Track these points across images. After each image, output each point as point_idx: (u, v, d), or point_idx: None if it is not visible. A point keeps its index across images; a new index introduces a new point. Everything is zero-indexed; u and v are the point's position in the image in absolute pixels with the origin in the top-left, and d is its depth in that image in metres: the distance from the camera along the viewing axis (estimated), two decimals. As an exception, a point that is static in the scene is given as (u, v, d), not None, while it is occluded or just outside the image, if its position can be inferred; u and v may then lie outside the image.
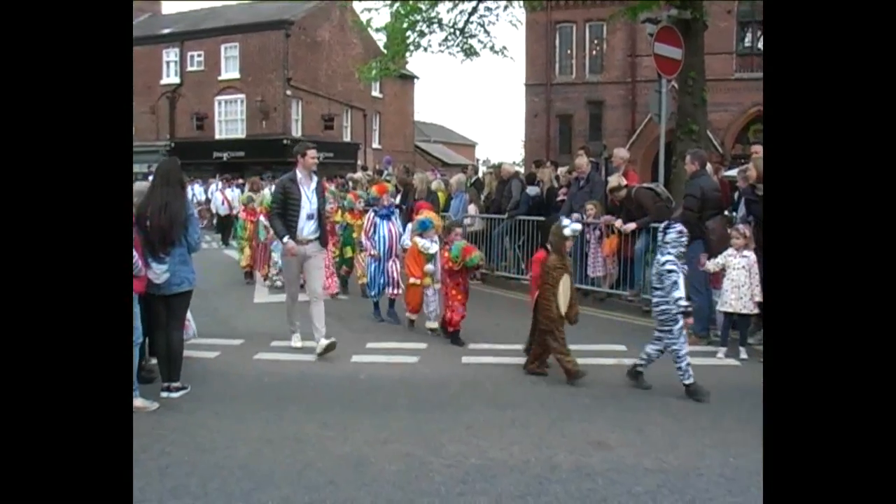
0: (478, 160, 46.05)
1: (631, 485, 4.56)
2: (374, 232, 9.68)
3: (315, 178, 8.08)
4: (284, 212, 7.76)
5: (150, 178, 6.86)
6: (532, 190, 12.80)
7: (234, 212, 20.09)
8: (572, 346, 7.78)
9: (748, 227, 7.96)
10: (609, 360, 7.55)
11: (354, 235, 11.16)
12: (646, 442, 5.32)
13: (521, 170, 18.01)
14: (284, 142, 35.73)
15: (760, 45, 27.58)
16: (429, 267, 8.88)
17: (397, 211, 10.68)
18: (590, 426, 5.66)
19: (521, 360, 7.59)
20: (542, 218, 11.63)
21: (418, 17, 15.72)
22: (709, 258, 8.24)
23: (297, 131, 37.20)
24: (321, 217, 8.01)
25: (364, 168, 24.92)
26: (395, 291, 9.70)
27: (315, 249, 7.91)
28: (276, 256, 11.81)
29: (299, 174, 7.92)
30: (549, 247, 7.21)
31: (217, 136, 37.85)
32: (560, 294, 6.92)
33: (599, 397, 6.39)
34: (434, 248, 8.96)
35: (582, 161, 11.43)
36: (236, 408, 6.12)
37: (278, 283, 11.91)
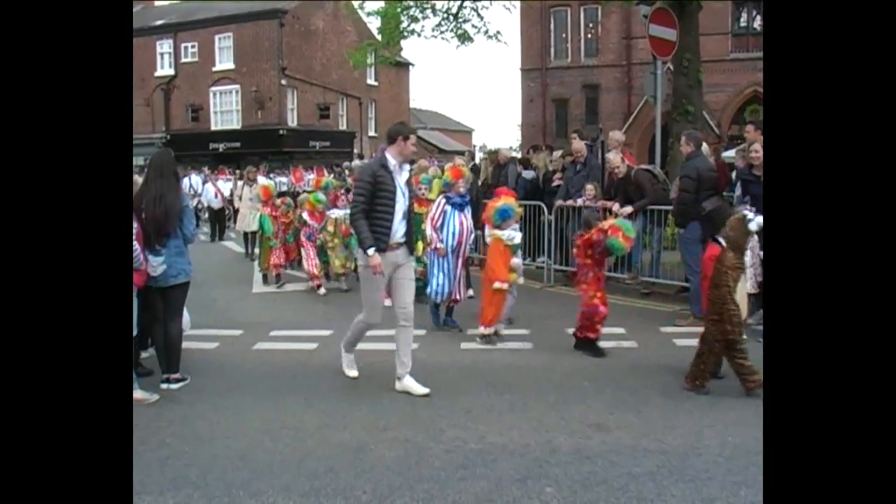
0: (474, 146, 45.98)
1: (630, 466, 4.57)
2: (443, 223, 8.28)
3: (407, 169, 6.50)
4: (372, 209, 6.08)
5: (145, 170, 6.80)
6: (528, 174, 12.78)
7: (234, 205, 19.71)
8: (570, 329, 7.81)
9: (752, 209, 7.91)
10: (608, 343, 7.53)
11: (423, 226, 8.86)
12: (644, 423, 5.34)
13: (518, 154, 17.99)
14: (280, 132, 35.77)
15: (756, 25, 27.53)
16: (516, 261, 7.92)
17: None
18: (588, 409, 5.67)
19: (520, 345, 7.61)
20: (538, 202, 11.60)
21: (411, 3, 15.69)
22: (705, 240, 8.22)
23: (292, 121, 37.21)
24: (410, 216, 6.41)
25: (360, 156, 24.90)
26: (460, 297, 8.52)
27: (405, 256, 6.35)
28: (331, 255, 11.26)
29: (391, 160, 6.17)
30: (723, 242, 6.20)
31: (213, 128, 37.86)
32: (739, 297, 6.15)
33: (597, 380, 6.40)
34: (518, 237, 7.94)
35: (579, 145, 11.40)
36: (235, 398, 6.13)
37: (343, 287, 11.31)
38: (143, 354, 6.90)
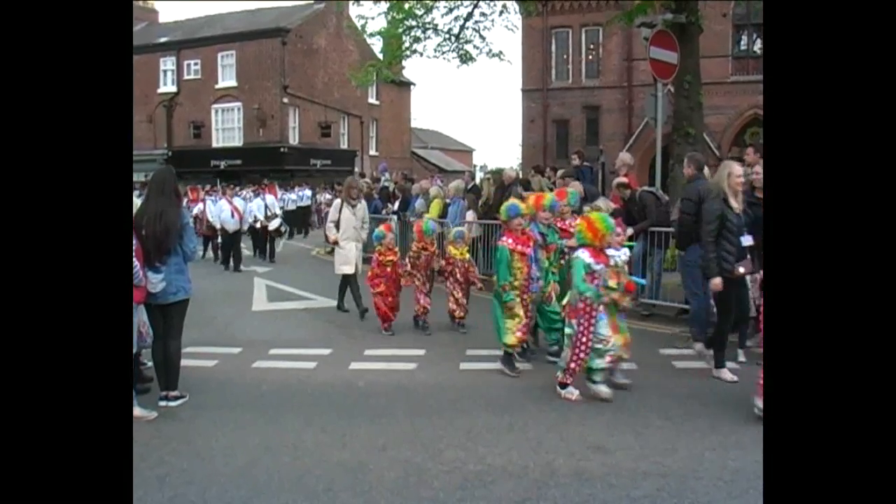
0: (475, 166, 46.13)
1: (630, 489, 4.55)
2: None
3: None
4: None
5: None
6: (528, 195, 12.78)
7: (257, 224, 17.88)
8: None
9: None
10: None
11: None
12: (644, 445, 5.32)
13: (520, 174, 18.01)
14: (282, 149, 35.83)
15: (756, 48, 27.66)
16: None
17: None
18: (588, 430, 5.66)
19: (520, 365, 7.57)
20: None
21: (413, 23, 15.77)
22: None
23: (294, 139, 37.33)
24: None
25: (362, 175, 24.92)
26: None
27: None
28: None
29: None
30: None
31: (214, 145, 37.94)
32: None
33: (597, 402, 6.37)
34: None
35: (578, 188, 11.39)
36: (235, 416, 6.11)
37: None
38: (147, 363, 6.90)
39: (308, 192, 29.28)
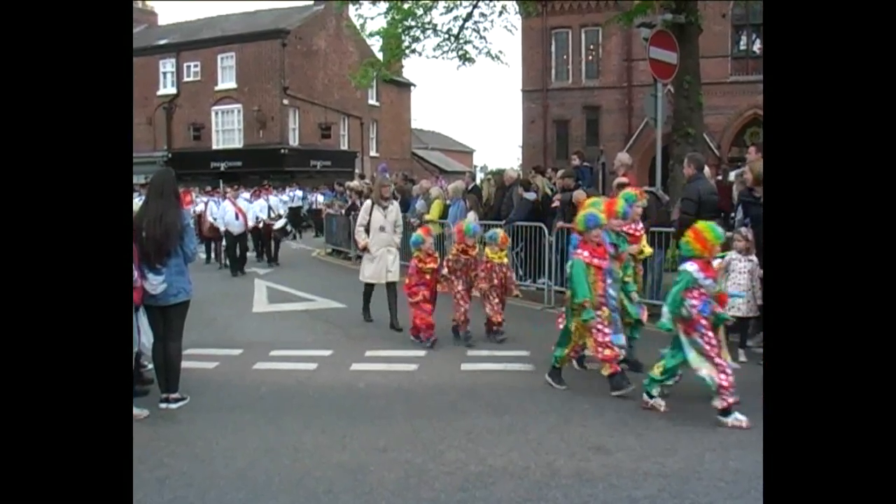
0: (475, 166, 46.14)
1: (630, 489, 4.55)
2: None
3: None
4: None
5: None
6: (529, 195, 12.79)
7: (260, 225, 17.16)
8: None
9: (750, 231, 7.94)
10: (608, 365, 7.52)
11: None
12: (645, 446, 5.31)
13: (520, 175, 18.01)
14: (282, 151, 35.85)
15: (755, 48, 27.68)
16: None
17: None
18: (589, 431, 5.65)
19: (520, 366, 7.58)
20: (539, 224, 11.61)
21: (413, 23, 15.78)
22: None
23: (294, 140, 37.34)
24: None
25: (361, 176, 24.93)
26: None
27: None
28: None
29: None
30: None
31: (214, 146, 37.94)
32: None
33: (598, 402, 6.37)
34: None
35: (581, 196, 11.40)
36: (235, 418, 6.10)
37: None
38: (148, 365, 6.91)
39: (299, 193, 29.14)
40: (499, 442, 5.42)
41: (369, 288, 10.16)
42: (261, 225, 17.57)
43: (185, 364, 6.64)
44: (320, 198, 28.71)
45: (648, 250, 8.08)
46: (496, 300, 8.83)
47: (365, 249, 9.98)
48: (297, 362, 7.91)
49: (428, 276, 8.78)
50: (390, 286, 9.81)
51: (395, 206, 10.26)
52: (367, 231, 9.88)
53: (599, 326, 6.52)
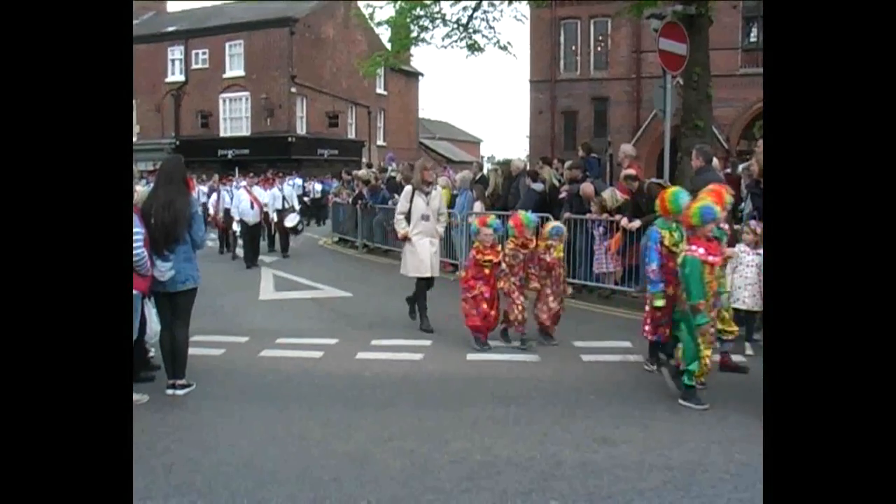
0: (482, 157, 46.09)
1: (636, 481, 4.55)
2: None
3: None
4: None
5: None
6: (537, 186, 12.76)
7: (271, 217, 16.31)
8: (577, 342, 7.81)
9: (759, 224, 7.90)
10: (614, 357, 7.52)
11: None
12: (650, 438, 5.31)
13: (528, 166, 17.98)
14: (289, 139, 35.87)
15: (766, 40, 27.51)
16: None
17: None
18: (594, 423, 5.65)
19: (526, 356, 7.58)
20: (547, 215, 11.59)
21: (421, 13, 15.73)
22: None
23: (301, 129, 37.37)
24: None
25: (369, 165, 24.89)
26: None
27: None
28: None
29: None
30: None
31: (222, 134, 38.02)
32: None
33: (604, 394, 6.37)
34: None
35: (589, 189, 11.40)
36: (241, 405, 6.12)
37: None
38: (151, 352, 6.97)
39: (299, 182, 28.86)
40: (504, 432, 5.43)
41: (422, 284, 9.04)
42: (273, 219, 16.69)
43: (191, 351, 6.65)
44: (318, 186, 28.64)
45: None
46: (555, 302, 8.20)
47: (405, 239, 9.06)
48: (303, 350, 7.93)
49: (487, 271, 7.99)
50: (429, 281, 9.04)
51: (437, 192, 9.40)
52: (408, 219, 9.03)
53: (712, 330, 6.11)
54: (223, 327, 9.09)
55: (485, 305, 7.94)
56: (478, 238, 8.10)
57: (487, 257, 7.97)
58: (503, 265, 8.00)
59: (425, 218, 8.97)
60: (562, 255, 8.38)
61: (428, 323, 8.97)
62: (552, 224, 8.59)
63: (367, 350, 7.94)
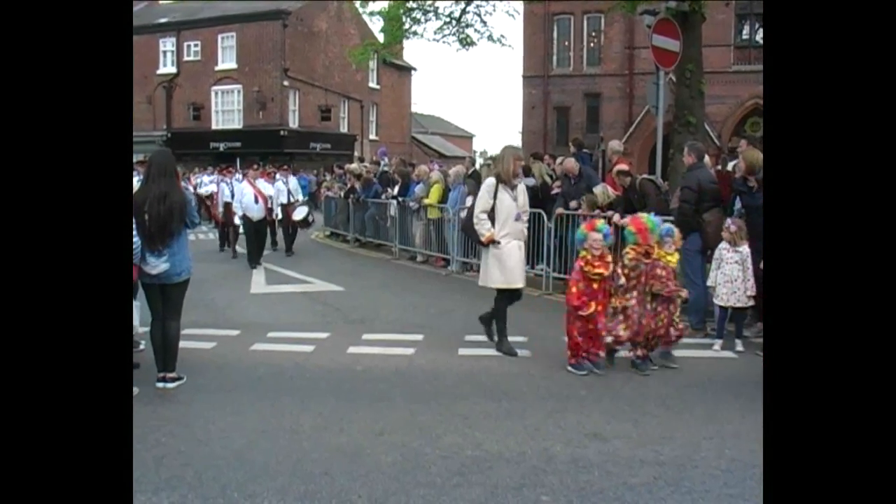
0: (475, 152, 46.10)
1: (627, 477, 4.56)
2: None
3: None
4: None
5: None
6: (528, 181, 12.76)
7: (275, 214, 15.45)
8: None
9: (735, 222, 7.90)
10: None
11: None
12: (641, 434, 5.32)
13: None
14: (281, 132, 35.78)
15: (758, 37, 27.61)
16: None
17: None
18: (586, 418, 5.66)
19: (518, 352, 7.58)
20: (539, 210, 11.60)
21: (414, 5, 15.73)
22: (704, 251, 8.27)
23: (294, 122, 37.28)
24: None
25: (361, 159, 24.87)
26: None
27: None
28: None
29: None
30: None
31: (214, 127, 37.90)
32: None
33: (595, 389, 6.39)
34: None
35: (571, 165, 11.43)
36: (232, 398, 6.11)
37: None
38: (141, 345, 6.97)
39: (312, 178, 28.60)
40: (496, 427, 5.43)
41: (504, 297, 7.56)
42: (277, 215, 15.86)
43: (182, 344, 6.63)
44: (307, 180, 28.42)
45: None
46: (674, 311, 7.14)
47: (491, 243, 7.41)
48: (294, 344, 7.92)
49: (595, 286, 6.81)
50: (514, 293, 7.61)
51: (523, 187, 7.85)
52: (493, 220, 7.42)
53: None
54: (214, 321, 9.07)
55: (592, 326, 6.83)
56: (584, 246, 6.91)
57: (597, 269, 6.75)
58: (622, 279, 6.84)
59: (517, 218, 7.51)
60: (675, 261, 7.18)
61: (509, 345, 7.56)
62: (663, 225, 7.17)
63: (359, 344, 7.93)
